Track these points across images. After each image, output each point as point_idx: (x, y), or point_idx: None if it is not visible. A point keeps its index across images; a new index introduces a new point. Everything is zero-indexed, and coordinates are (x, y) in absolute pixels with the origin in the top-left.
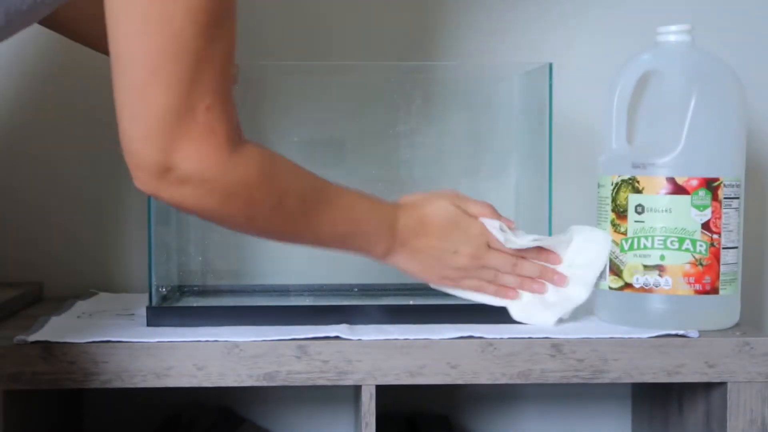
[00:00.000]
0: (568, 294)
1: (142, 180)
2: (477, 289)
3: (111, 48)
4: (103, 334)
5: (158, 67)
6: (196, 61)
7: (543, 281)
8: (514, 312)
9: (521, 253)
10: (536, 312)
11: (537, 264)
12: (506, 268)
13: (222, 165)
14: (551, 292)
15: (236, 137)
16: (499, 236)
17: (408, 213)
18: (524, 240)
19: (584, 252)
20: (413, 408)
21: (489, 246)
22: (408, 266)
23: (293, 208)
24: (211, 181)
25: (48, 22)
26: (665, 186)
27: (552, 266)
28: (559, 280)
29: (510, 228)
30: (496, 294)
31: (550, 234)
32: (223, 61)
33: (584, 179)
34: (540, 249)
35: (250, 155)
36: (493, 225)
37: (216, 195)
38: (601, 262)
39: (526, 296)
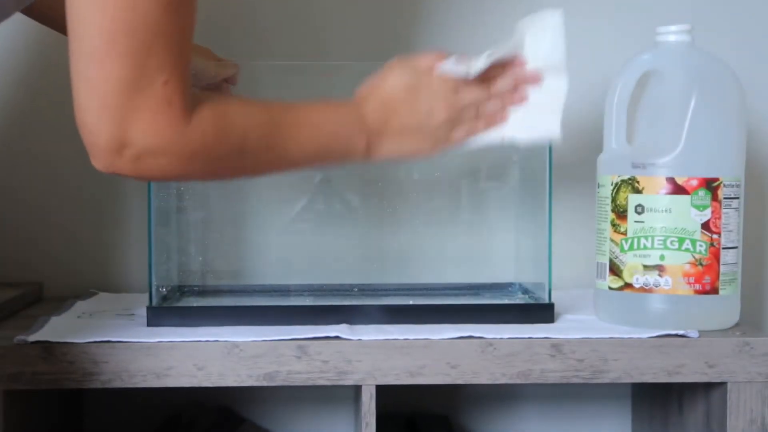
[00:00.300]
0: (550, 89)
1: (99, 157)
2: (469, 133)
3: (68, 17)
4: (103, 334)
5: (116, 38)
6: (155, 33)
7: (522, 88)
8: (518, 134)
9: (488, 76)
10: (537, 123)
11: (507, 76)
12: (483, 96)
13: (178, 135)
14: (535, 94)
15: (191, 107)
16: (460, 72)
17: (369, 101)
18: (481, 61)
19: (542, 41)
20: (413, 408)
21: (456, 87)
22: (397, 151)
23: (257, 149)
24: (168, 153)
25: (42, 18)
26: (665, 186)
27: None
28: (534, 77)
29: (464, 59)
30: (487, 126)
31: (549, 239)
32: (182, 37)
33: (584, 179)
34: (503, 64)
35: (204, 118)
36: (448, 66)
37: (176, 163)
38: (562, 41)
39: (517, 114)
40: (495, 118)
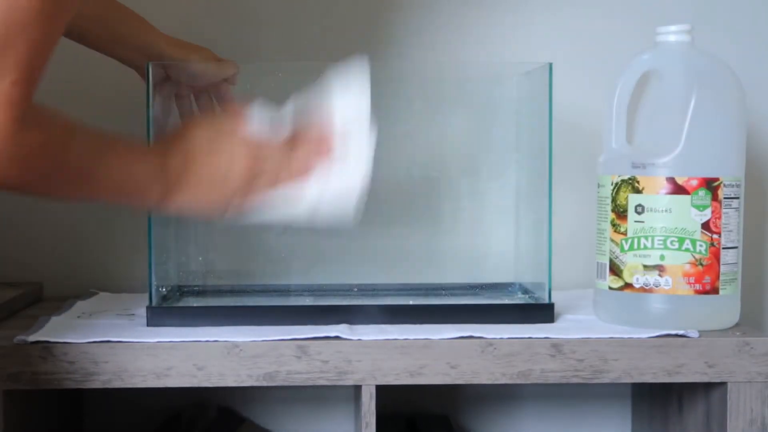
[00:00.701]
0: (355, 143)
1: None
2: (269, 185)
3: None
4: (103, 334)
5: None
6: (18, 31)
7: (326, 141)
8: (321, 198)
9: (293, 134)
10: (341, 184)
11: (310, 143)
12: (283, 162)
13: (7, 138)
14: (340, 150)
15: (31, 114)
16: (262, 127)
17: (175, 149)
18: (282, 116)
19: (348, 93)
20: (413, 408)
21: (258, 141)
22: (192, 204)
23: (71, 174)
24: None
25: None
26: (665, 186)
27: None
28: (337, 132)
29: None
30: (288, 179)
31: (549, 239)
32: (45, 44)
33: (584, 179)
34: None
35: (34, 131)
36: (252, 123)
37: None
38: (367, 92)
39: (321, 174)
40: (297, 171)
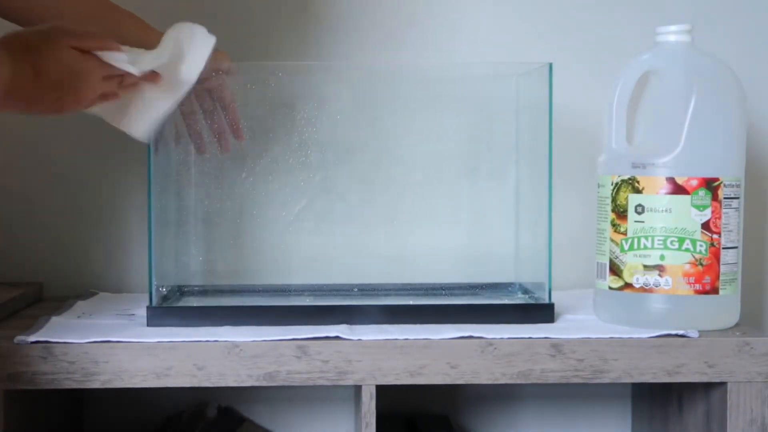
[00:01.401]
0: (164, 91)
1: None
2: (77, 96)
3: None
4: (103, 334)
5: None
6: None
7: (135, 80)
8: (107, 114)
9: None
10: (131, 113)
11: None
12: (101, 71)
13: None
14: (150, 90)
15: None
16: (123, 66)
17: (22, 63)
18: (146, 63)
19: (187, 53)
20: (413, 408)
21: (82, 56)
22: (20, 108)
23: None
24: None
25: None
26: (665, 186)
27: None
28: (152, 76)
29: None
30: (96, 96)
31: (549, 239)
32: None
33: (584, 179)
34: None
35: None
36: (116, 57)
37: None
38: (203, 62)
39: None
40: (106, 94)
